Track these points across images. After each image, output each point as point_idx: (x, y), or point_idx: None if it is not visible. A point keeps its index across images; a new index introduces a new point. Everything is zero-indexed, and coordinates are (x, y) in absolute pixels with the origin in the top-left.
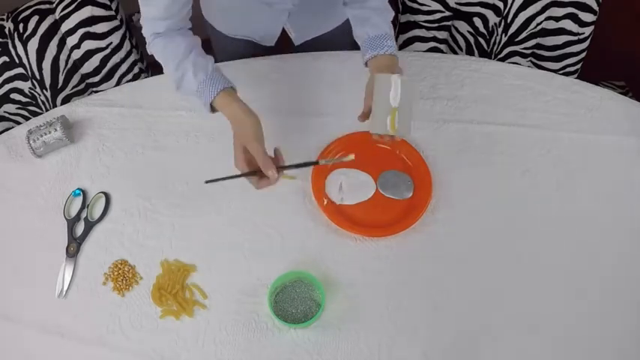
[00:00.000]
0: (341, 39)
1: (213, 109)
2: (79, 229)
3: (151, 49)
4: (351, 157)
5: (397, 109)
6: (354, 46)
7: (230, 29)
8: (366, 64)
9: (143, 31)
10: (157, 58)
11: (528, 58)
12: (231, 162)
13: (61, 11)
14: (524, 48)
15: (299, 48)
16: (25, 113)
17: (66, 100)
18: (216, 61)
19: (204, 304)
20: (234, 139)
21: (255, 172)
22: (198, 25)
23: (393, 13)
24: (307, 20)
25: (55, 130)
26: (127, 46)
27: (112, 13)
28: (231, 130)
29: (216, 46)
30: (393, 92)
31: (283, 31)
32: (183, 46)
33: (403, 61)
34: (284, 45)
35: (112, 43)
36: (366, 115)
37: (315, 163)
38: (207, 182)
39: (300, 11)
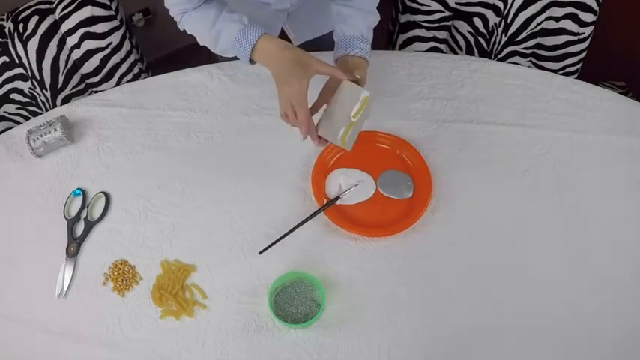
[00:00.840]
0: None
1: (252, 62)
2: (79, 229)
3: (183, 25)
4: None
5: (354, 124)
6: None
7: None
8: (336, 62)
9: (171, 13)
10: (189, 30)
11: (528, 58)
12: (231, 163)
13: (61, 11)
14: (524, 48)
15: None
16: (25, 113)
17: (66, 100)
18: (216, 62)
19: (205, 304)
20: (280, 77)
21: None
22: None
23: (377, 18)
24: (306, 21)
25: (55, 130)
26: (127, 46)
27: (112, 13)
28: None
29: None
30: (357, 107)
31: (283, 32)
32: (215, 8)
33: (403, 61)
34: None
35: (112, 43)
36: (315, 108)
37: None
38: (261, 253)
39: (299, 12)
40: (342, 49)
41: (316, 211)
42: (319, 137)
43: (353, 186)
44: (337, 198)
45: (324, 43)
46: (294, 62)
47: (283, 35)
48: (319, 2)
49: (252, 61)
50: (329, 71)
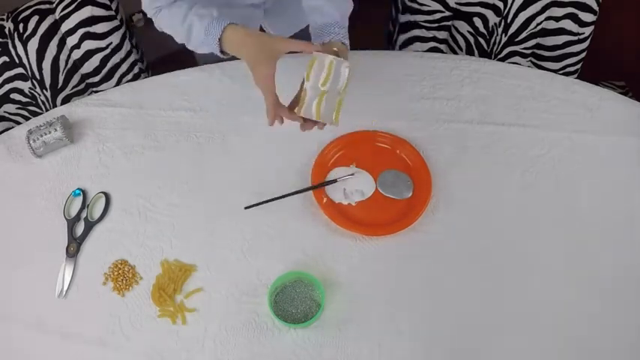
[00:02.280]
0: None
1: (223, 53)
2: (79, 229)
3: (158, 24)
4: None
5: (325, 93)
6: None
7: None
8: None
9: (144, 8)
10: (165, 27)
11: (528, 58)
12: (231, 163)
13: (61, 11)
14: (524, 48)
15: None
16: (25, 113)
17: (66, 100)
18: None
19: (193, 308)
20: (251, 59)
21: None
22: None
23: (350, 6)
24: (284, 17)
25: (55, 130)
26: (127, 46)
27: (112, 13)
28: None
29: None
30: (324, 74)
31: (262, 30)
32: (186, 4)
33: (403, 62)
34: None
35: (112, 43)
36: (296, 101)
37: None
38: (246, 208)
39: (276, 8)
40: (317, 38)
41: (312, 187)
42: (302, 119)
43: (349, 174)
44: (334, 181)
45: (304, 37)
46: (259, 47)
47: None
48: None
49: (225, 53)
50: (297, 47)
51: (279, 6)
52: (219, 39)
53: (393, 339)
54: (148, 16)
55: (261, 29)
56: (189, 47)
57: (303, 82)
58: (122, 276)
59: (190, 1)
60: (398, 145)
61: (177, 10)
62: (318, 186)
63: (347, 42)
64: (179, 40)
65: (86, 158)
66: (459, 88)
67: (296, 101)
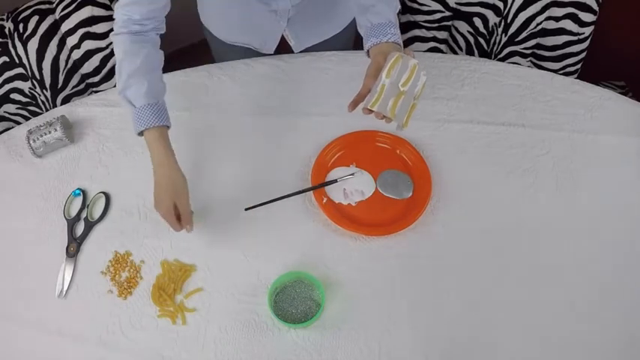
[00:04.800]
0: (340, 46)
1: (140, 134)
2: (79, 229)
3: (115, 40)
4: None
5: (404, 94)
6: None
7: (228, 35)
8: (367, 53)
9: (115, 15)
10: (115, 51)
11: (528, 58)
12: (231, 163)
13: (61, 11)
14: (524, 48)
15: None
16: (25, 113)
17: (66, 100)
18: (216, 62)
19: (193, 308)
20: (159, 188)
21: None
22: (196, 27)
23: (398, 5)
24: (306, 26)
25: (55, 130)
26: None
27: (112, 13)
28: (154, 174)
29: (215, 53)
30: (406, 75)
31: (283, 39)
32: (151, 59)
33: None
34: (283, 53)
35: (112, 43)
36: (356, 103)
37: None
38: (247, 209)
39: (299, 16)
40: (373, 37)
41: (312, 187)
42: (368, 110)
43: (349, 174)
44: (334, 181)
45: (326, 48)
46: (169, 181)
47: (283, 43)
48: (320, 7)
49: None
50: (183, 214)
51: (305, 15)
52: (143, 131)
53: (393, 339)
54: (114, 16)
55: (282, 39)
56: (116, 89)
57: (380, 78)
58: (123, 273)
59: (158, 58)
60: (398, 145)
61: (138, 55)
62: (319, 186)
63: (401, 42)
64: (116, 74)
65: (86, 158)
66: (458, 88)
67: (365, 93)
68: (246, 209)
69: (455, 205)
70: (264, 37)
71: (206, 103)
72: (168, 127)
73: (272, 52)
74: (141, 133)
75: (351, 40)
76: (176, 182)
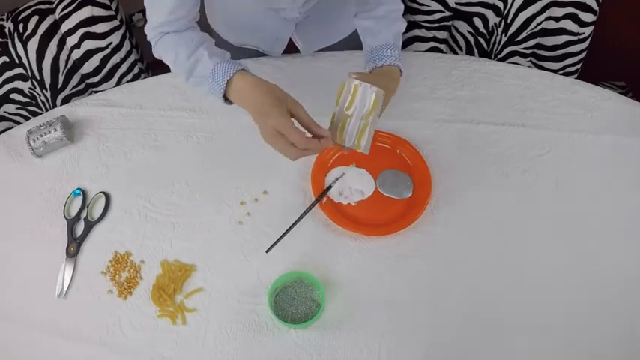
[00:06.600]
0: (348, 50)
1: (226, 99)
2: (79, 229)
3: (158, 46)
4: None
5: (350, 116)
6: None
7: (237, 39)
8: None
9: (148, 38)
10: (165, 52)
11: (528, 58)
12: (231, 163)
13: (61, 11)
14: (524, 48)
15: None
16: (25, 113)
17: (66, 100)
18: None
19: (193, 308)
20: (263, 105)
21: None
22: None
23: (403, 24)
24: (315, 31)
25: (55, 130)
26: (127, 46)
27: (112, 13)
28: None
29: None
30: (348, 99)
31: (291, 42)
32: (197, 38)
33: (403, 61)
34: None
35: (112, 43)
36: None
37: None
38: (267, 251)
39: (308, 21)
40: (371, 62)
41: (312, 204)
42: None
43: (338, 177)
44: (329, 187)
45: (333, 50)
46: (272, 95)
47: (291, 45)
48: (329, 12)
49: (227, 100)
50: (303, 119)
51: (313, 21)
52: (228, 81)
53: (393, 339)
54: (148, 39)
55: (290, 41)
56: (187, 82)
57: (338, 109)
58: (122, 273)
59: (203, 35)
60: (398, 145)
61: (187, 39)
62: (321, 195)
63: (399, 64)
64: (175, 69)
65: (86, 158)
66: (459, 88)
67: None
68: (267, 251)
69: (455, 205)
70: (273, 41)
71: (206, 103)
72: (243, 71)
73: (280, 56)
74: (229, 102)
75: (358, 43)
76: (275, 90)
